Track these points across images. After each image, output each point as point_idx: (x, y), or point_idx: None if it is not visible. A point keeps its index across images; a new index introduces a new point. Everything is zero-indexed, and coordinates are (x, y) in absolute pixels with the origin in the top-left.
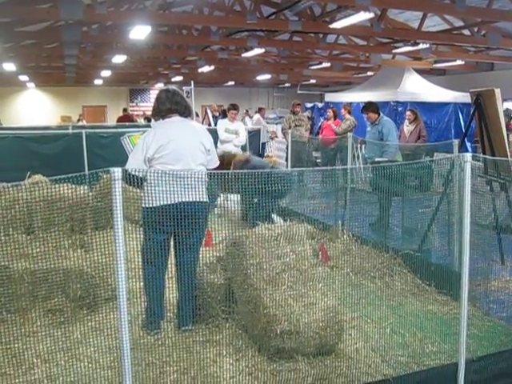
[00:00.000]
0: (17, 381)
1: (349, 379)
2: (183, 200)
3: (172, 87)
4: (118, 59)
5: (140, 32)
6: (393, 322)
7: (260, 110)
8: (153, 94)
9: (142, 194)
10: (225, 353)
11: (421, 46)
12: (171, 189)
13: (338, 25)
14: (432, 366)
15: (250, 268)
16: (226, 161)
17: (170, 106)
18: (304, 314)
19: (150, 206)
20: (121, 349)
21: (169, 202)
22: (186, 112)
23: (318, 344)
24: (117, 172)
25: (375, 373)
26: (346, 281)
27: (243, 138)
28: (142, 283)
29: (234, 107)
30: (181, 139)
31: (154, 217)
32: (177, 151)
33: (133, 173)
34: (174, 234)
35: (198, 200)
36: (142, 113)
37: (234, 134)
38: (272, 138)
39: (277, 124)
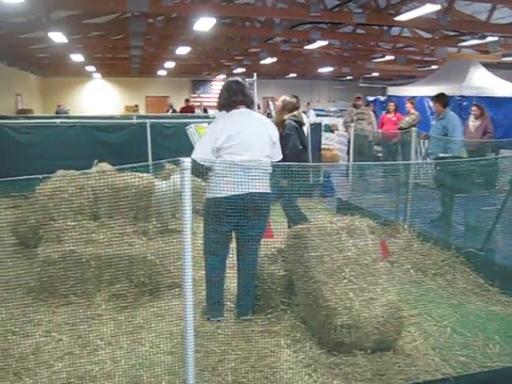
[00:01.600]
0: (82, 361)
1: (407, 376)
2: (251, 191)
3: (239, 79)
4: (182, 51)
5: (204, 24)
6: (453, 321)
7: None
8: (215, 85)
9: (207, 184)
10: (283, 344)
11: (489, 39)
12: (240, 179)
13: (403, 17)
14: (494, 367)
15: (311, 260)
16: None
17: (242, 98)
18: (364, 309)
19: (217, 196)
20: (184, 335)
21: (237, 193)
22: (251, 104)
23: (377, 339)
24: (186, 162)
25: (434, 371)
26: (406, 277)
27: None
28: (203, 272)
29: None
30: (250, 130)
31: (221, 207)
32: (245, 142)
33: (201, 163)
34: (238, 224)
35: (264, 191)
36: (200, 104)
37: None
38: (332, 131)
39: (338, 117)
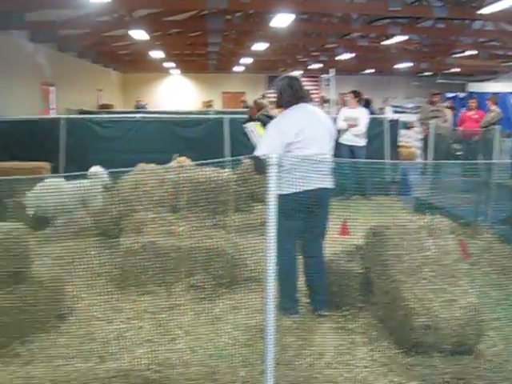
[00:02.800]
0: (161, 348)
1: (487, 382)
2: (322, 186)
3: (296, 75)
4: (259, 47)
5: (282, 20)
6: None
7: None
8: None
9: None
10: (359, 342)
11: None
12: (312, 174)
13: (486, 10)
14: None
15: (390, 259)
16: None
17: (302, 94)
18: (443, 310)
19: (291, 191)
20: (265, 329)
21: (309, 188)
22: (309, 100)
23: (455, 342)
24: (273, 157)
25: None
26: (486, 280)
27: (362, 126)
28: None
29: (354, 93)
30: (315, 125)
31: (292, 203)
32: (312, 136)
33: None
34: (309, 219)
35: (331, 186)
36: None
37: (353, 122)
38: (409, 128)
39: (415, 114)
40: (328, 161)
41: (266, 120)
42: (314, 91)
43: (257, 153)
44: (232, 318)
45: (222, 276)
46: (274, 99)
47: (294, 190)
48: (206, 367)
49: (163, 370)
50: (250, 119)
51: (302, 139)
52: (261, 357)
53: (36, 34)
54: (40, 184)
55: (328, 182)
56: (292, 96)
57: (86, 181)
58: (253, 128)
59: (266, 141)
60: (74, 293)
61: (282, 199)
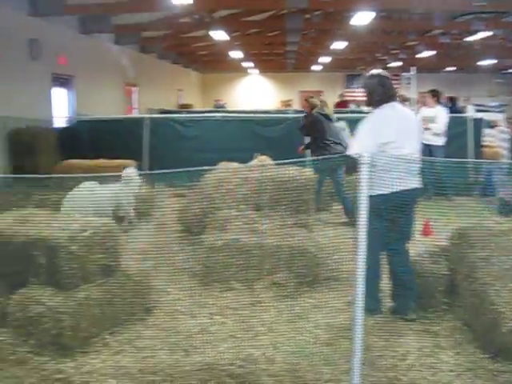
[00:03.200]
0: (244, 344)
1: None
2: (413, 187)
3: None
4: (338, 45)
5: (362, 18)
6: None
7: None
8: None
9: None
10: (444, 345)
11: None
12: (406, 174)
13: None
14: None
15: (477, 261)
16: None
17: (393, 92)
18: None
19: (389, 191)
20: (353, 329)
21: (405, 188)
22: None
23: None
24: (365, 157)
25: None
26: None
27: (440, 125)
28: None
29: (432, 92)
30: (407, 124)
31: (387, 203)
32: (406, 136)
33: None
34: (399, 220)
35: (421, 186)
36: (353, 99)
37: (431, 121)
38: (493, 127)
39: (499, 112)
40: (420, 160)
41: (322, 118)
42: None
43: (349, 152)
44: (313, 317)
45: (304, 274)
46: (363, 97)
47: (391, 190)
48: (289, 364)
49: (246, 366)
50: (306, 118)
51: (397, 139)
52: (343, 356)
53: (120, 37)
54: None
55: (419, 182)
56: (383, 95)
57: (118, 184)
58: (343, 127)
59: (359, 140)
60: (160, 287)
61: (377, 199)
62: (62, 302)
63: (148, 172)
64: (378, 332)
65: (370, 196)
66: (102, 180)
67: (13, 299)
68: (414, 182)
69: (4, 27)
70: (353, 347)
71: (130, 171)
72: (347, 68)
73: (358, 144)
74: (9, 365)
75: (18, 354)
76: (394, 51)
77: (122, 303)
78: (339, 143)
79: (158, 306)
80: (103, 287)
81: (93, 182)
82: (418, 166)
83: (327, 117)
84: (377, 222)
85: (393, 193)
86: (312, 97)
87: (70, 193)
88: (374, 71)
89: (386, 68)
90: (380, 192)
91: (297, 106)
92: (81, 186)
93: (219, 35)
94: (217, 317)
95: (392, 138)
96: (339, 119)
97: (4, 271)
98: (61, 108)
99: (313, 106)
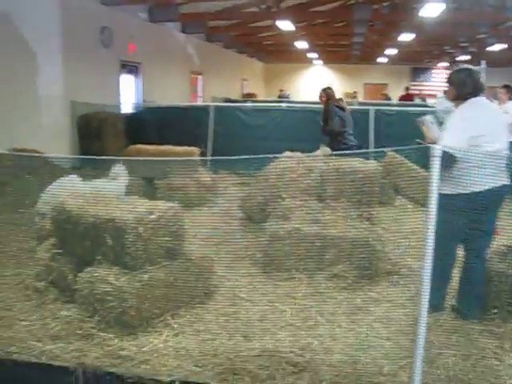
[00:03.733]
0: (302, 333)
1: None
2: (502, 184)
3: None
4: (405, 37)
5: (432, 9)
6: None
7: None
8: (435, 73)
9: (454, 177)
10: (507, 348)
11: None
12: (497, 171)
13: None
14: None
15: None
16: None
17: (482, 87)
18: None
19: (476, 190)
20: (417, 325)
21: (495, 185)
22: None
23: None
24: (437, 149)
25: None
26: None
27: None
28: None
29: (506, 88)
30: (496, 118)
31: (472, 201)
32: (496, 130)
33: (456, 153)
34: (480, 218)
35: (509, 183)
36: (419, 92)
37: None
38: None
39: None
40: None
41: (337, 111)
42: None
43: (440, 144)
44: (373, 310)
45: (365, 267)
46: (449, 91)
47: (485, 187)
48: (347, 356)
49: (305, 354)
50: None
51: (488, 132)
52: (402, 351)
53: (187, 26)
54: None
55: (507, 179)
56: (473, 88)
57: (102, 181)
58: (432, 120)
59: (450, 134)
60: (221, 273)
61: (465, 196)
62: (127, 282)
63: (213, 158)
64: (440, 329)
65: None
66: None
67: (81, 277)
68: (503, 179)
69: (78, 15)
70: (415, 343)
71: (118, 169)
72: (413, 61)
73: (450, 138)
74: (75, 339)
75: (84, 329)
76: (463, 44)
77: (184, 286)
78: (352, 134)
79: (218, 292)
80: (167, 270)
81: (74, 176)
82: (506, 162)
83: (342, 108)
84: (455, 219)
85: (489, 190)
86: (330, 88)
87: (50, 186)
88: (463, 65)
89: (454, 62)
90: (478, 189)
91: (362, 98)
92: (61, 179)
93: (285, 25)
94: (276, 304)
95: (483, 131)
96: (426, 113)
97: (73, 250)
98: (128, 94)
99: (329, 97)
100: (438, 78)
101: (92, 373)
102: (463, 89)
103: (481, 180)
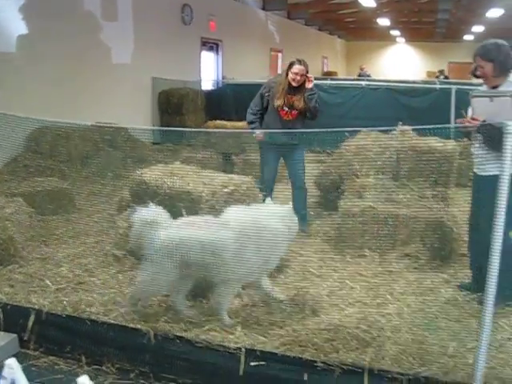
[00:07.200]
0: (370, 310)
1: None
2: None
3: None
4: (493, 13)
5: None
6: None
7: None
8: None
9: None
10: None
11: None
12: None
13: None
14: None
15: None
16: None
17: None
18: None
19: None
20: (484, 307)
21: None
22: None
23: None
24: (510, 126)
25: None
26: None
27: None
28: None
29: None
30: None
31: None
32: None
33: None
34: None
35: None
36: None
37: None
38: None
39: None
40: None
41: None
42: None
43: None
44: (443, 292)
45: (438, 248)
46: (487, 70)
47: None
48: (414, 335)
49: (371, 331)
50: None
51: None
52: (470, 334)
53: (268, 3)
54: None
55: None
56: None
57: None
58: (485, 92)
59: None
60: (293, 248)
61: None
62: None
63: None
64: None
65: None
66: None
67: None
68: None
69: None
70: (481, 326)
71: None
72: (503, 38)
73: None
74: (149, 304)
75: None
76: None
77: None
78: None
79: (289, 266)
80: None
81: None
82: None
83: None
84: None
85: None
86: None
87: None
88: (491, 40)
89: None
90: None
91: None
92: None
93: (367, 2)
94: (346, 281)
95: None
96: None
97: None
98: (208, 71)
99: None
100: None
101: (163, 336)
102: (505, 64)
103: None
